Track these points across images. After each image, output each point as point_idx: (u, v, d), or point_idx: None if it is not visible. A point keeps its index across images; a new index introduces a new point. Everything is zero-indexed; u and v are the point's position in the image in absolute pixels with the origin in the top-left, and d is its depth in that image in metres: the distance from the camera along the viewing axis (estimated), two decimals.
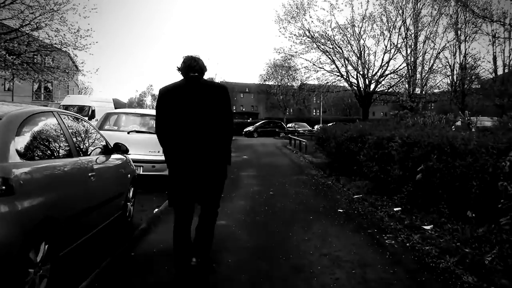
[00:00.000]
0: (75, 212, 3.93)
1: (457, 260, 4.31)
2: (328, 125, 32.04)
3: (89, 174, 4.32)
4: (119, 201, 5.61)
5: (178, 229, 3.97)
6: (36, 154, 3.57)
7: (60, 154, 3.95)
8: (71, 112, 4.91)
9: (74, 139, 4.39)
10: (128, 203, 6.13)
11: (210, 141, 3.80)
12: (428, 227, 5.56)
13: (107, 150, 5.38)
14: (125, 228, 5.91)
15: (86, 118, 5.33)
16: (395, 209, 6.67)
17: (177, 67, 3.96)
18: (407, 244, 5.00)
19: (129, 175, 6.04)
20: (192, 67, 3.88)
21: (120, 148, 5.58)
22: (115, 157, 5.59)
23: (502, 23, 27.23)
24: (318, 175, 11.53)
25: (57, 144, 3.99)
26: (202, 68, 3.93)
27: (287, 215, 6.60)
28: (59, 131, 4.10)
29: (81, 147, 4.63)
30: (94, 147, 5.06)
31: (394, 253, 4.70)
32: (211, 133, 3.80)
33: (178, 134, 3.79)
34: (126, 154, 6.22)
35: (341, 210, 6.92)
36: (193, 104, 3.79)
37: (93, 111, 24.50)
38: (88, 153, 4.76)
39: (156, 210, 7.00)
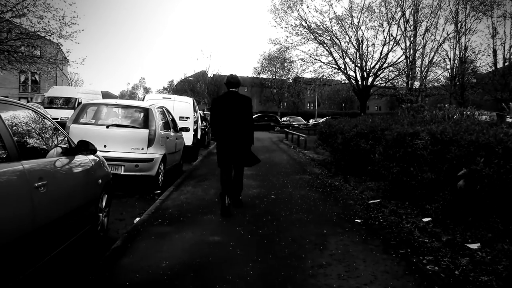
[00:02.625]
0: (8, 241, 2.76)
1: None
2: (325, 119, 30.96)
3: (36, 184, 3.13)
4: (86, 213, 4.43)
5: (224, 179, 6.36)
6: None
7: None
8: (17, 101, 3.71)
9: (16, 137, 3.20)
10: (100, 214, 4.96)
11: (241, 130, 6.34)
12: (474, 246, 4.45)
13: (69, 150, 4.20)
14: (96, 246, 4.75)
15: (42, 110, 4.10)
16: (424, 219, 5.55)
17: (224, 82, 6.64)
18: (456, 272, 3.87)
19: (100, 180, 4.85)
20: (232, 83, 6.42)
21: (87, 147, 4.39)
22: (81, 159, 4.39)
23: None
24: (322, 174, 10.39)
25: None
26: (238, 83, 6.49)
27: (295, 227, 5.45)
28: None
29: (28, 148, 3.45)
30: (51, 147, 3.88)
31: (444, 287, 3.58)
32: (242, 126, 6.33)
33: (223, 125, 6.31)
34: (98, 154, 5.05)
35: (359, 220, 5.79)
36: (232, 108, 6.32)
37: (80, 103, 23.20)
38: (40, 156, 3.58)
39: (137, 219, 5.85)
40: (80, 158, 4.39)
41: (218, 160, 6.43)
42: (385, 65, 29.43)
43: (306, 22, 29.02)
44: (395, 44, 28.47)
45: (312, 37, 29.31)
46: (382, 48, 28.79)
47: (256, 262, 4.12)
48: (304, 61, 30.83)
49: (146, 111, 8.08)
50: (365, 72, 29.43)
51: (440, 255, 4.34)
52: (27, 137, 3.60)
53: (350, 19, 28.59)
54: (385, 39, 28.41)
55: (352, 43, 29.16)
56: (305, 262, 4.15)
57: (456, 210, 5.08)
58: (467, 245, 4.51)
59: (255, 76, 64.02)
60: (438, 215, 5.40)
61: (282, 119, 47.82)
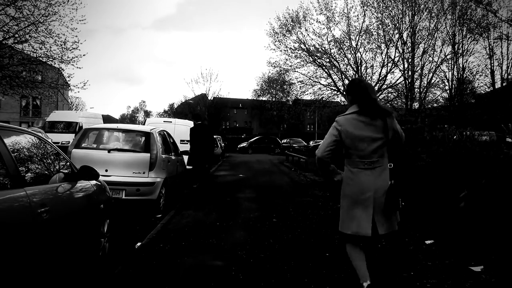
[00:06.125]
0: (12, 267, 2.77)
1: None
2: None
3: (39, 210, 3.15)
4: (88, 238, 4.43)
5: (197, 172, 10.46)
6: None
7: None
8: (18, 127, 3.76)
9: (19, 164, 3.23)
10: (102, 239, 4.95)
11: (205, 145, 10.33)
12: (477, 269, 4.43)
13: (71, 176, 4.22)
14: (98, 272, 4.72)
15: (42, 135, 4.13)
16: (426, 242, 5.53)
17: (193, 116, 12.51)
18: None
19: (102, 205, 4.86)
20: (199, 117, 11.21)
21: (89, 173, 4.42)
22: (83, 184, 4.42)
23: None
24: (324, 196, 10.37)
25: None
26: (200, 117, 11.19)
27: (298, 251, 5.42)
28: None
29: (31, 174, 3.47)
30: (53, 173, 3.90)
31: None
32: (205, 143, 10.34)
33: (196, 144, 10.25)
34: (100, 179, 5.07)
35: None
36: (200, 133, 10.28)
37: (81, 128, 23.32)
38: (42, 182, 3.60)
39: (139, 244, 5.82)
40: (82, 184, 4.41)
41: (191, 162, 10.39)
42: (384, 86, 29.64)
43: (305, 45, 29.35)
44: (393, 66, 28.74)
45: (311, 59, 29.60)
46: (381, 70, 29.07)
47: (259, 287, 4.09)
48: (303, 83, 31.08)
49: (147, 135, 8.13)
50: None
51: (443, 278, 4.31)
52: (30, 163, 3.62)
53: (348, 41, 28.93)
54: (384, 61, 28.69)
55: (351, 65, 29.44)
56: (309, 286, 4.12)
57: (459, 231, 5.07)
58: (471, 268, 4.49)
59: (255, 98, 64.43)
60: (440, 237, 5.38)
61: (282, 141, 47.86)
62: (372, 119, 3.39)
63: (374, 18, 28.11)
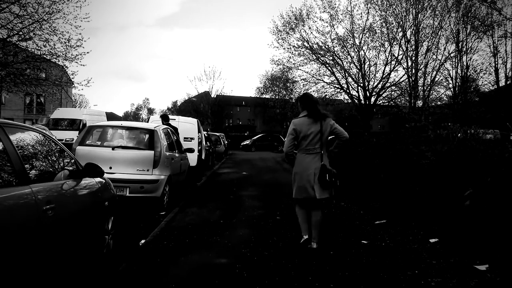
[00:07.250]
0: (19, 264, 2.77)
1: None
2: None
3: (45, 207, 3.15)
4: (92, 235, 4.44)
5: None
6: None
7: None
8: (24, 125, 3.76)
9: (25, 161, 3.23)
10: (106, 236, 4.96)
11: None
12: (482, 268, 4.42)
13: (76, 173, 4.23)
14: (102, 269, 4.73)
15: (47, 133, 4.14)
16: (431, 240, 5.52)
17: (161, 117, 12.04)
18: None
19: (106, 203, 4.87)
20: (167, 118, 11.85)
21: (94, 170, 4.42)
22: (88, 181, 4.42)
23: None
24: None
25: None
26: (168, 118, 11.94)
27: (302, 249, 5.42)
28: None
29: (36, 171, 3.48)
30: (58, 170, 3.90)
31: None
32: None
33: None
34: (104, 177, 5.08)
35: (365, 242, 5.75)
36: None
37: (84, 125, 23.34)
38: (48, 179, 3.60)
39: (143, 241, 5.83)
40: (86, 181, 4.42)
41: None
42: (388, 84, 29.60)
43: (308, 43, 29.33)
44: (397, 64, 28.70)
45: (314, 57, 29.59)
46: (384, 68, 29.03)
47: (263, 285, 4.09)
48: (306, 81, 31.06)
49: (152, 133, 8.13)
50: (367, 92, 29.58)
51: (448, 276, 4.30)
52: (35, 160, 3.63)
53: (351, 39, 28.91)
54: (387, 59, 28.65)
55: (354, 63, 29.42)
56: (313, 285, 4.12)
57: (464, 230, 5.05)
58: (476, 266, 4.47)
59: (258, 96, 64.37)
60: (445, 235, 5.37)
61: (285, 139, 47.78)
62: (315, 120, 5.20)
63: (378, 16, 28.11)
